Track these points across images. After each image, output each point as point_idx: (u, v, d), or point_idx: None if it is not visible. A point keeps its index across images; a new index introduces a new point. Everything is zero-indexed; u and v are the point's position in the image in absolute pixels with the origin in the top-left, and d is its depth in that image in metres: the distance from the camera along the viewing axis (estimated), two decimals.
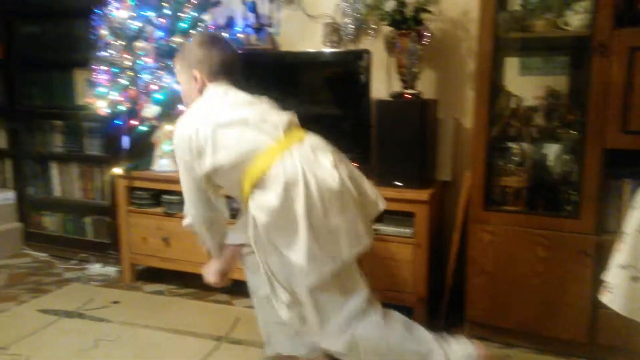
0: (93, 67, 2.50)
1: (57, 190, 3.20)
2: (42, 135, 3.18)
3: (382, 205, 1.65)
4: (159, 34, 2.39)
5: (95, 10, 2.46)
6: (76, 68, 2.97)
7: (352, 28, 2.55)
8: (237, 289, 2.26)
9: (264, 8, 2.69)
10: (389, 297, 2.21)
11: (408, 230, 2.17)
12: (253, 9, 2.65)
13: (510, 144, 2.07)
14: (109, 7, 2.43)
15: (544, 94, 2.07)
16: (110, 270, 2.90)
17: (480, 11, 1.94)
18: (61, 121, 3.11)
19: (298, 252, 1.43)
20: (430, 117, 2.24)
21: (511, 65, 2.26)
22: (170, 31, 2.38)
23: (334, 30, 2.59)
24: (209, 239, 1.73)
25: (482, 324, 2.09)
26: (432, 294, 2.24)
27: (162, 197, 2.60)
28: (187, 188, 1.64)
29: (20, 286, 2.69)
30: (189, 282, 2.64)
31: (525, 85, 2.18)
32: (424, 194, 2.13)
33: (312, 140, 1.59)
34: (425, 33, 2.21)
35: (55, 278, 2.81)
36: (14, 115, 3.16)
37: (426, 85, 2.42)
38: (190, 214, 1.68)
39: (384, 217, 2.24)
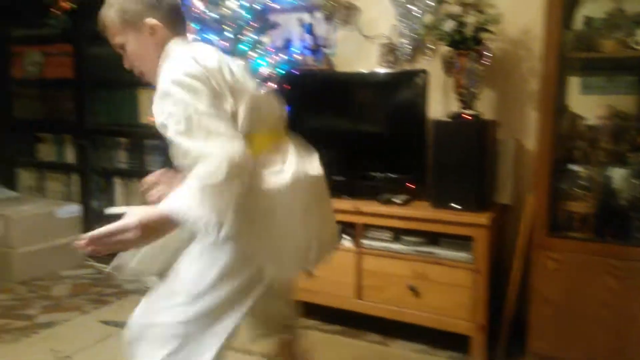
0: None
1: (119, 204, 3.34)
2: (107, 152, 3.34)
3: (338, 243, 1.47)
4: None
5: None
6: (140, 87, 3.10)
7: (409, 48, 2.53)
8: (391, 328, 2.27)
9: (320, 29, 2.72)
10: (444, 324, 2.16)
11: (466, 255, 2.11)
12: (310, 30, 2.68)
13: (576, 167, 1.98)
14: None
15: (606, 113, 1.98)
16: None
17: (545, 31, 1.88)
18: (125, 138, 3.25)
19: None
20: (489, 138, 2.19)
21: (572, 84, 2.17)
22: (231, 53, 2.44)
23: (390, 50, 2.59)
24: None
25: (545, 356, 1.99)
26: (491, 323, 2.15)
27: None
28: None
29: (83, 296, 2.81)
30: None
31: (586, 104, 2.09)
32: (484, 218, 2.06)
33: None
34: (485, 52, 2.17)
35: (115, 289, 2.92)
36: (82, 132, 3.33)
37: (485, 106, 2.36)
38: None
39: (440, 240, 2.19)
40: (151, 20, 1.33)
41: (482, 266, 2.08)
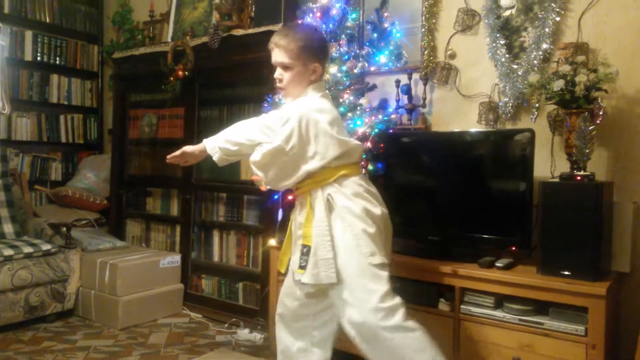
0: None
1: (216, 255, 3.46)
2: (208, 206, 3.51)
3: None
4: None
5: (267, 98, 2.73)
6: None
7: (511, 106, 2.48)
8: None
9: (417, 90, 2.75)
10: None
11: (580, 328, 1.93)
12: (407, 91, 2.73)
13: None
14: (278, 95, 2.68)
15: None
16: (257, 336, 2.99)
17: None
18: (225, 193, 3.41)
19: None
20: (604, 201, 2.03)
21: None
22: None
23: (491, 109, 2.55)
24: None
25: None
26: None
27: None
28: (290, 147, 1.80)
29: (179, 346, 2.88)
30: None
31: None
32: (600, 287, 1.89)
33: None
34: (598, 112, 2.06)
35: (208, 340, 2.97)
36: (187, 187, 3.55)
37: (598, 166, 2.23)
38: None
39: (550, 310, 2.03)
40: (317, 65, 1.88)
41: (599, 340, 1.89)
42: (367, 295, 1.72)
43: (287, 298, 2.02)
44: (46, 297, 3.13)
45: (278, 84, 1.90)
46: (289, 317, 2.02)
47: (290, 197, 2.67)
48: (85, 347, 2.82)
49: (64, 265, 3.24)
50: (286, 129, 1.78)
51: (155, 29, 3.96)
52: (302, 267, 1.80)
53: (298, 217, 1.91)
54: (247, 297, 3.25)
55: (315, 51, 1.87)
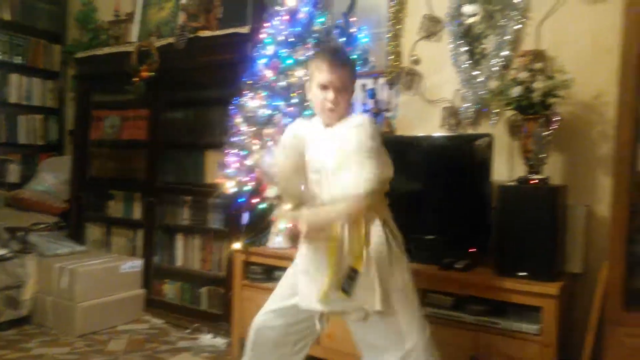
0: (225, 150, 2.72)
1: (179, 260, 3.41)
2: (172, 209, 3.46)
3: None
4: (286, 120, 2.57)
5: (233, 100, 2.72)
6: (208, 150, 3.25)
7: (472, 112, 2.55)
8: None
9: (382, 94, 2.79)
10: None
11: (534, 327, 1.98)
12: (373, 95, 2.76)
13: None
14: (245, 98, 2.67)
15: None
16: (220, 342, 2.95)
17: (619, 96, 1.84)
18: (190, 196, 3.37)
19: None
20: (559, 204, 2.10)
21: None
22: (297, 118, 2.54)
23: (453, 114, 2.61)
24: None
25: None
26: None
27: (275, 274, 2.65)
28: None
29: (139, 352, 2.81)
30: None
31: None
32: (553, 287, 1.95)
33: None
34: (554, 118, 2.14)
35: (170, 346, 2.92)
36: (151, 190, 3.49)
37: (553, 170, 2.30)
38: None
39: (506, 309, 2.08)
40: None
41: (551, 339, 1.95)
42: (418, 321, 1.72)
43: (271, 330, 1.91)
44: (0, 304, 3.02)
45: (329, 105, 1.73)
46: (270, 346, 1.92)
47: (255, 200, 2.67)
48: (40, 355, 2.73)
49: (20, 270, 3.14)
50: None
51: (120, 28, 3.89)
52: (345, 291, 1.67)
53: (346, 243, 1.70)
54: (210, 302, 3.21)
55: (354, 75, 1.83)
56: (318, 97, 1.75)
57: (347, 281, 1.67)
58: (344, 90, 1.74)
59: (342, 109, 1.76)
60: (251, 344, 1.95)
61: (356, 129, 1.67)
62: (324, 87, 1.73)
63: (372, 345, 1.76)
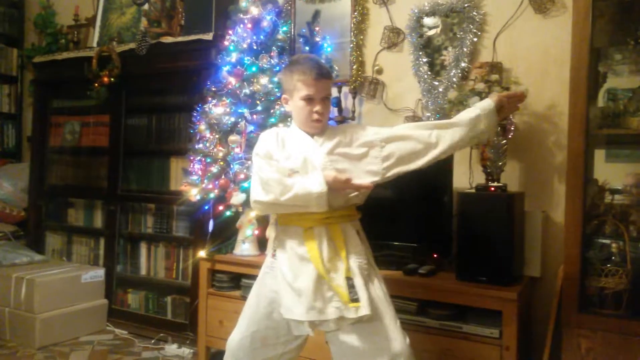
0: (189, 157, 2.70)
1: (143, 269, 3.35)
2: (135, 217, 3.40)
3: None
4: (251, 128, 2.57)
5: (197, 107, 2.70)
6: (172, 156, 3.21)
7: (433, 121, 2.60)
8: None
9: (347, 103, 2.83)
10: None
11: (495, 331, 2.04)
12: (337, 103, 2.79)
13: (607, 242, 1.95)
14: (209, 105, 2.66)
15: (633, 182, 1.97)
16: (186, 351, 2.92)
17: (570, 107, 1.92)
18: (153, 204, 3.32)
19: None
20: (516, 210, 2.17)
21: (598, 155, 2.18)
22: (261, 125, 2.54)
23: None
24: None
25: None
26: None
27: (242, 281, 2.64)
28: None
29: None
30: None
31: (611, 172, 2.09)
32: (512, 292, 2.01)
33: None
34: (510, 127, 2.21)
35: (134, 357, 2.87)
36: (113, 198, 3.42)
37: (511, 177, 2.38)
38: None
39: (468, 314, 2.14)
40: None
41: (512, 342, 2.01)
42: (399, 328, 1.72)
43: (250, 352, 1.85)
44: None
45: (318, 117, 1.73)
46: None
47: (220, 208, 2.65)
48: None
49: None
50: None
51: (80, 33, 3.81)
52: (356, 300, 1.66)
53: (325, 251, 1.70)
54: (176, 311, 3.17)
55: None
56: (303, 109, 1.73)
57: (352, 291, 1.67)
58: (327, 100, 1.77)
59: (327, 119, 1.79)
60: None
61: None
62: (309, 99, 1.71)
63: (358, 353, 1.70)
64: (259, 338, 1.83)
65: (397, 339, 1.69)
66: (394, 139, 1.76)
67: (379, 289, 1.74)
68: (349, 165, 1.74)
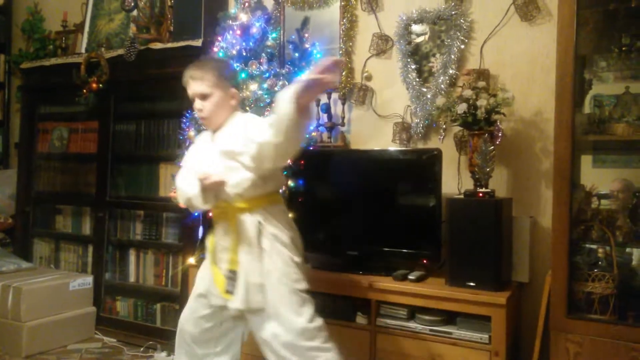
0: (179, 163, 2.68)
1: (132, 276, 3.33)
2: (124, 224, 3.38)
3: None
4: None
5: (186, 113, 2.69)
6: (162, 163, 3.20)
7: (422, 127, 2.62)
8: None
9: (336, 109, 2.83)
10: None
11: (484, 336, 2.05)
12: (326, 109, 2.80)
13: (594, 246, 1.96)
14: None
15: (621, 187, 1.99)
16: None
17: (556, 114, 1.94)
18: (142, 211, 3.30)
19: None
20: (504, 216, 2.19)
21: (585, 160, 2.21)
22: None
23: (404, 129, 2.68)
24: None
25: None
26: None
27: None
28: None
29: None
30: None
31: (598, 177, 2.11)
32: (501, 297, 2.03)
33: None
34: (497, 133, 2.23)
35: None
36: (102, 205, 3.40)
37: (499, 183, 2.40)
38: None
39: (457, 319, 2.15)
40: (235, 91, 1.95)
41: (500, 347, 2.02)
42: (296, 317, 1.79)
43: (189, 323, 2.01)
44: None
45: (200, 114, 1.92)
46: (192, 344, 2.01)
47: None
48: None
49: None
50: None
51: (68, 39, 3.79)
52: (229, 292, 1.82)
53: (221, 241, 1.90)
54: (165, 319, 3.14)
55: (230, 77, 1.97)
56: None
57: (229, 282, 1.82)
58: (208, 97, 1.88)
59: (214, 116, 1.90)
60: (178, 346, 2.06)
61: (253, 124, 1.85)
62: (192, 99, 1.92)
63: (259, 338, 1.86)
64: (196, 308, 2.01)
65: (288, 328, 1.78)
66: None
67: (276, 280, 1.81)
68: (234, 163, 1.83)
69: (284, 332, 1.78)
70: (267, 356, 1.85)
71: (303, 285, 1.86)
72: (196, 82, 1.90)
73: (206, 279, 1.97)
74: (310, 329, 1.79)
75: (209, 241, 1.97)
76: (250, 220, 1.84)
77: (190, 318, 2.01)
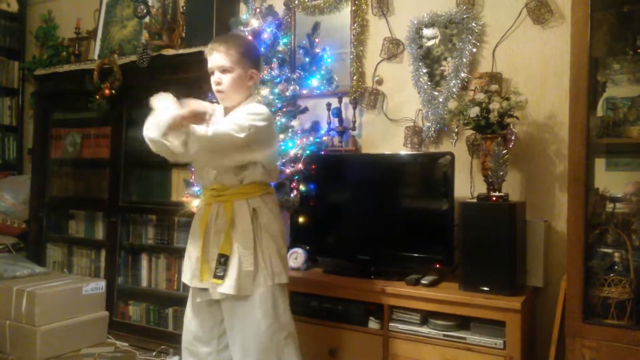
0: (191, 168, 2.69)
1: (144, 280, 3.34)
2: (136, 228, 3.40)
3: None
4: None
5: None
6: (174, 168, 3.21)
7: (434, 131, 2.62)
8: None
9: (347, 113, 2.83)
10: None
11: (499, 341, 2.03)
12: (337, 114, 2.80)
13: (610, 251, 1.94)
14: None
15: (634, 190, 1.97)
16: None
17: (570, 117, 1.92)
18: (155, 215, 3.32)
19: None
20: (518, 220, 2.17)
21: (598, 163, 2.19)
22: None
23: (415, 133, 2.67)
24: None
25: None
26: None
27: None
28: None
29: None
30: None
31: (612, 180, 2.08)
32: (515, 302, 2.01)
33: None
34: (510, 137, 2.22)
35: None
36: (114, 210, 3.42)
37: (512, 187, 2.39)
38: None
39: (471, 324, 2.13)
40: (255, 72, 1.93)
41: (515, 353, 2.00)
42: (273, 311, 1.84)
43: (192, 323, 1.99)
44: None
45: (217, 87, 1.88)
46: (195, 343, 1.99)
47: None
48: None
49: None
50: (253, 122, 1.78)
51: (81, 46, 3.83)
52: (219, 277, 1.81)
53: (213, 226, 1.88)
54: (177, 323, 3.15)
55: (253, 57, 1.94)
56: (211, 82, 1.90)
57: (219, 267, 1.81)
58: (228, 72, 1.86)
59: (230, 92, 1.88)
60: (185, 349, 2.04)
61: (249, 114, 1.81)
62: (211, 72, 1.89)
63: (231, 327, 1.87)
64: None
65: (266, 319, 1.81)
66: None
67: (265, 270, 1.83)
68: None
69: (263, 323, 1.82)
70: (232, 344, 1.88)
71: (285, 279, 1.90)
72: (220, 54, 1.87)
73: (189, 266, 1.94)
74: (284, 323, 1.87)
75: (201, 225, 1.90)
76: (245, 207, 1.85)
77: (191, 318, 2.00)
